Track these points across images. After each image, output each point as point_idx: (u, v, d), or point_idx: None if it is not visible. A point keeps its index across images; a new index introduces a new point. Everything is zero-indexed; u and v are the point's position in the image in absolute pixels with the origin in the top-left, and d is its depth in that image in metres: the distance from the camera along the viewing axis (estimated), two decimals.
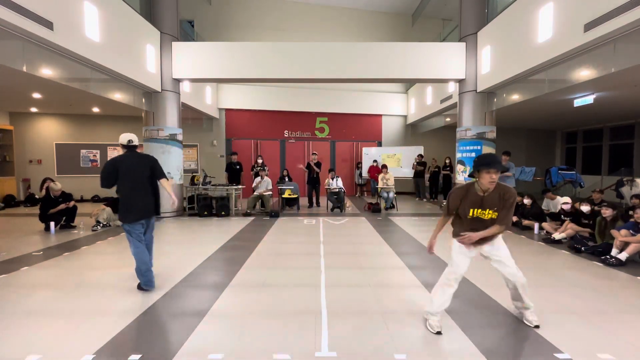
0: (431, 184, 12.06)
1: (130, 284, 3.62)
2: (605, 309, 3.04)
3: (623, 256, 4.32)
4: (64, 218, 6.60)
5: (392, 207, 9.34)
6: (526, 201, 6.71)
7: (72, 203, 6.66)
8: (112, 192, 3.94)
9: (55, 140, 11.36)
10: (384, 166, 9.83)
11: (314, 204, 9.85)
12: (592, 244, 4.97)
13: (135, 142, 3.60)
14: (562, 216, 5.93)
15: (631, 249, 4.32)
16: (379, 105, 13.59)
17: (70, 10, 5.41)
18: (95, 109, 10.50)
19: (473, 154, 8.22)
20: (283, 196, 9.30)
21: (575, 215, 5.72)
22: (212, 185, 8.76)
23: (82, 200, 10.99)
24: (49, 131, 11.32)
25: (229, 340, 2.49)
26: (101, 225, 6.64)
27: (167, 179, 3.78)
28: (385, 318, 2.84)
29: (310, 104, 13.09)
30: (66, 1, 5.33)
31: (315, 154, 10.06)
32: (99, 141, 11.53)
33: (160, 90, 8.15)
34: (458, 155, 8.61)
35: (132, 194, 3.41)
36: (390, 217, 8.21)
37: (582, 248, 4.94)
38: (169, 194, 3.74)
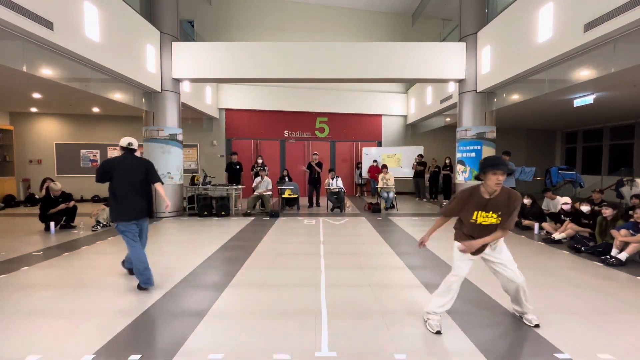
0: (431, 184, 12.06)
1: (130, 283, 3.62)
2: (605, 309, 3.04)
3: (623, 256, 4.33)
4: (64, 218, 6.60)
5: (392, 207, 9.34)
6: (526, 201, 6.71)
7: (72, 203, 6.66)
8: None
9: (55, 140, 11.36)
10: (384, 166, 9.83)
11: (314, 204, 9.86)
12: (592, 244, 4.97)
13: (135, 145, 3.69)
14: (562, 216, 5.93)
15: (631, 249, 4.32)
16: (379, 105, 13.59)
17: (70, 10, 5.41)
18: (95, 109, 10.50)
19: (473, 154, 8.23)
20: (283, 196, 9.30)
21: (575, 215, 5.72)
22: (212, 185, 8.76)
23: (82, 200, 10.99)
24: (49, 131, 11.32)
25: (229, 340, 2.49)
26: (101, 225, 6.64)
27: (162, 183, 3.85)
28: (385, 318, 2.84)
29: (310, 104, 13.09)
30: (66, 1, 5.33)
31: (316, 154, 10.08)
32: (99, 141, 11.53)
33: (160, 90, 8.15)
34: (458, 155, 8.61)
35: (124, 194, 3.49)
36: (390, 217, 8.21)
37: (582, 248, 4.94)
38: (163, 198, 3.77)
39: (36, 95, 8.38)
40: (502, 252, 2.68)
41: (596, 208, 5.57)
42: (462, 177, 8.46)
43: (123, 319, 2.80)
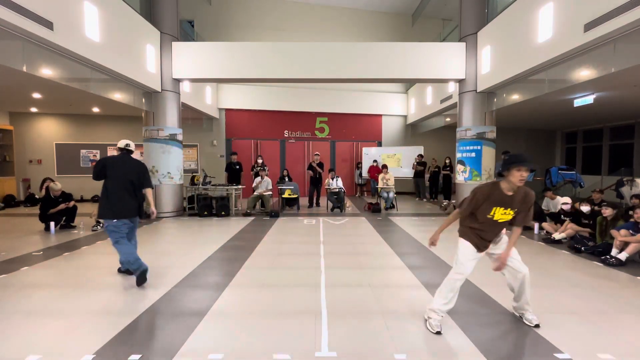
0: (431, 184, 12.06)
1: (131, 283, 3.62)
2: (605, 309, 3.04)
3: (623, 256, 4.33)
4: (64, 218, 6.60)
5: (392, 207, 9.34)
6: None
7: (72, 203, 6.66)
8: None
9: (55, 140, 11.36)
10: (384, 166, 9.83)
11: (314, 204, 9.86)
12: (592, 244, 4.97)
13: (132, 147, 3.88)
14: (562, 216, 5.93)
15: (631, 248, 4.33)
16: (379, 105, 13.59)
17: (70, 10, 5.41)
18: (95, 109, 10.50)
19: (473, 154, 8.23)
20: (283, 196, 9.30)
21: (575, 215, 5.72)
22: (212, 185, 8.77)
23: (82, 200, 10.99)
24: (49, 131, 11.32)
25: (229, 340, 2.49)
26: (101, 225, 6.63)
27: (152, 188, 4.04)
28: (385, 318, 2.84)
29: (310, 104, 13.09)
30: (66, 1, 5.33)
31: (317, 154, 10.09)
32: (99, 141, 11.53)
33: (160, 90, 8.15)
34: (458, 155, 8.61)
35: (116, 192, 3.62)
36: (390, 217, 8.21)
37: (582, 248, 4.94)
38: (150, 203, 3.90)
39: (36, 95, 8.38)
40: (506, 243, 2.71)
41: (596, 208, 5.57)
42: (462, 177, 8.46)
43: (123, 319, 2.80)
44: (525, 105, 7.93)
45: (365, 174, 12.68)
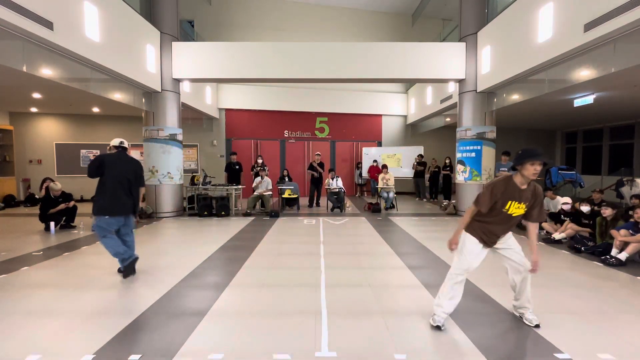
0: (431, 184, 12.06)
1: (131, 283, 3.62)
2: (605, 309, 3.04)
3: (623, 256, 4.33)
4: (64, 218, 6.60)
5: (392, 207, 9.34)
6: None
7: (72, 203, 6.67)
8: None
9: (55, 140, 11.36)
10: (384, 166, 9.83)
11: (314, 204, 9.87)
12: (592, 244, 4.97)
13: (126, 144, 3.93)
14: (562, 216, 5.93)
15: (631, 248, 4.33)
16: (379, 105, 13.59)
17: (70, 10, 5.41)
18: (95, 109, 10.50)
19: (473, 154, 8.23)
20: (283, 196, 9.30)
21: (575, 215, 5.72)
22: (212, 185, 8.77)
23: (82, 200, 10.98)
24: (49, 131, 11.32)
25: (229, 340, 2.49)
26: None
27: (144, 187, 4.12)
28: (385, 318, 2.84)
29: (310, 104, 13.09)
30: (66, 1, 5.33)
31: (318, 154, 10.10)
32: (99, 141, 11.53)
33: (160, 90, 8.15)
34: (458, 155, 8.61)
35: (113, 189, 3.67)
36: (390, 217, 8.21)
37: (582, 248, 4.94)
38: (139, 201, 4.01)
39: (36, 95, 8.39)
40: (510, 237, 2.75)
41: (596, 208, 5.57)
42: (462, 177, 8.46)
43: (123, 319, 2.80)
44: (525, 105, 7.93)
45: (365, 174, 12.68)
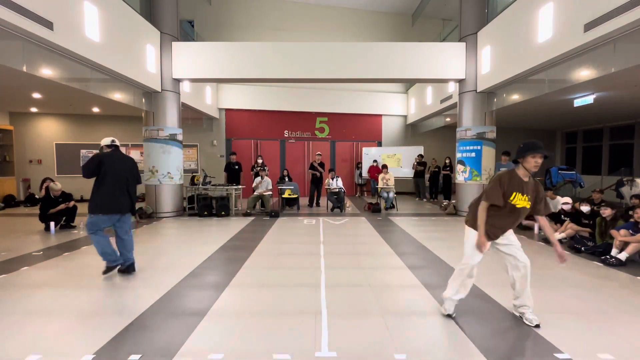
0: (431, 184, 12.07)
1: (131, 283, 3.62)
2: (605, 309, 3.04)
3: (623, 256, 4.33)
4: (64, 218, 6.60)
5: (392, 207, 9.34)
6: None
7: (72, 203, 6.66)
8: None
9: (55, 140, 11.36)
10: (384, 166, 9.83)
11: (314, 204, 9.87)
12: (592, 244, 4.97)
13: (117, 142, 4.02)
14: (562, 216, 5.93)
15: (631, 248, 4.33)
16: (379, 105, 13.59)
17: (70, 10, 5.41)
18: (95, 109, 10.50)
19: (473, 154, 8.23)
20: (283, 196, 9.30)
21: (575, 215, 5.72)
22: (212, 185, 8.77)
23: (82, 200, 10.96)
24: (49, 131, 11.32)
25: (229, 340, 2.49)
26: None
27: (141, 183, 4.19)
28: (385, 318, 2.84)
29: (310, 104, 13.09)
30: (66, 1, 5.33)
31: (319, 154, 10.11)
32: (99, 141, 11.36)
33: (160, 90, 8.15)
34: (458, 155, 8.61)
35: (110, 188, 3.72)
36: (390, 217, 8.21)
37: (582, 248, 4.95)
38: (136, 198, 4.09)
39: (36, 95, 8.39)
40: (512, 234, 2.79)
41: (596, 208, 5.57)
42: (462, 177, 8.46)
43: (123, 319, 2.80)
44: (525, 105, 7.93)
45: (365, 174, 12.68)
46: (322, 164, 9.91)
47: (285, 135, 13.20)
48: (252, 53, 8.31)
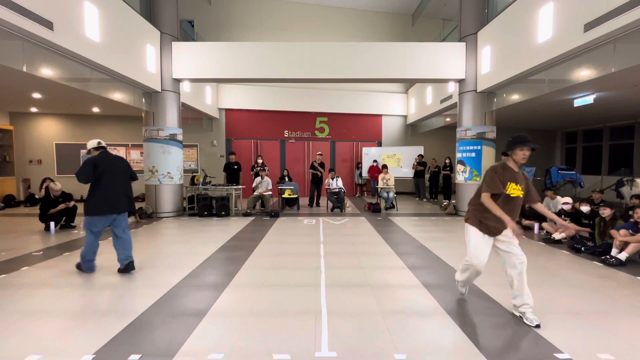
0: (431, 184, 12.07)
1: (131, 284, 3.62)
2: (605, 309, 3.04)
3: (623, 256, 4.32)
4: (64, 218, 6.61)
5: (392, 207, 9.34)
6: None
7: (72, 203, 6.67)
8: None
9: (55, 140, 11.36)
10: (384, 166, 9.83)
11: (314, 204, 9.87)
12: (592, 244, 4.97)
13: (104, 143, 4.09)
14: (562, 216, 5.93)
15: (631, 248, 4.33)
16: (379, 105, 13.60)
17: (70, 10, 5.41)
18: (95, 109, 10.50)
19: (473, 154, 8.23)
20: (283, 196, 9.30)
21: (575, 215, 5.72)
22: (212, 185, 8.77)
23: (82, 200, 10.93)
24: (49, 131, 11.32)
25: (229, 340, 2.49)
26: None
27: (137, 179, 4.28)
28: (385, 318, 2.84)
29: (310, 104, 13.09)
30: (66, 1, 5.33)
31: (320, 154, 10.11)
32: None
33: (160, 90, 8.15)
34: (458, 155, 8.61)
35: (108, 189, 3.81)
36: (390, 217, 8.21)
37: (582, 248, 4.95)
38: (132, 197, 4.18)
39: (36, 95, 8.39)
40: (510, 231, 2.81)
41: (596, 208, 5.57)
42: (462, 177, 8.46)
43: (123, 319, 2.79)
44: (525, 106, 7.94)
45: (365, 174, 12.69)
46: (322, 164, 9.93)
47: (285, 135, 13.21)
48: (252, 53, 8.31)
